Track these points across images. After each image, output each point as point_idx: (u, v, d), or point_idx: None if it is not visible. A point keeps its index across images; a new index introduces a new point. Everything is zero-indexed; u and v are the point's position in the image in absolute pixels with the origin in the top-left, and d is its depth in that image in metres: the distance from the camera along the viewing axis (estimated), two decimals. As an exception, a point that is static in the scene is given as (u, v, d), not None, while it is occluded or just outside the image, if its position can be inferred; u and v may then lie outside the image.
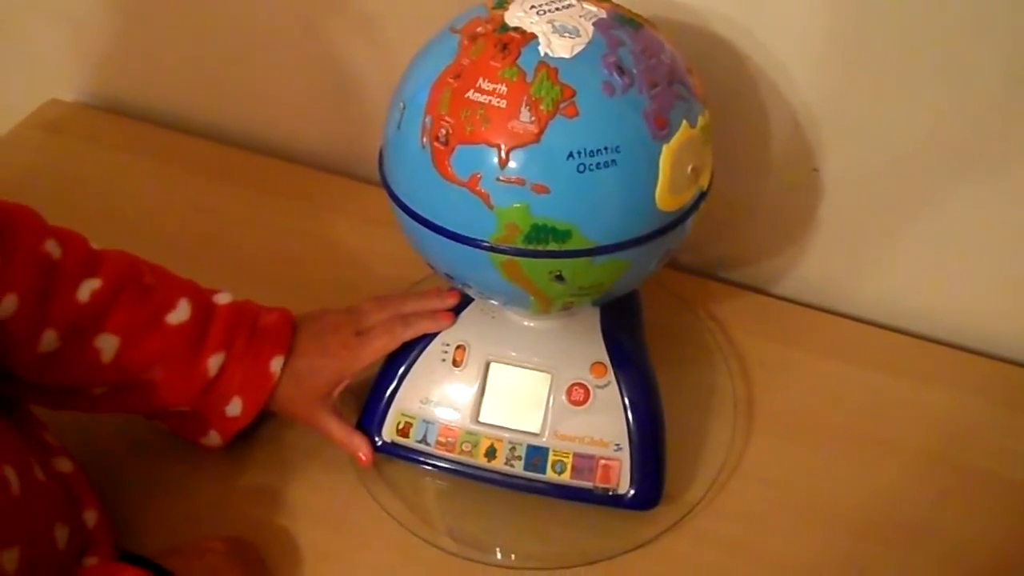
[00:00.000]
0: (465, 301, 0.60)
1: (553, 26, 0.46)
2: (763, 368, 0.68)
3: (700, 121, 0.49)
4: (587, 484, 0.57)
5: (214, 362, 0.56)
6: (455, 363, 0.59)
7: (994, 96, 0.58)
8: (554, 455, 0.58)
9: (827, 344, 0.70)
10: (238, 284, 0.62)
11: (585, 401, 0.57)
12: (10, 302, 0.49)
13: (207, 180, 0.84)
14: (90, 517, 0.54)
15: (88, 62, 0.90)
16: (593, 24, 0.47)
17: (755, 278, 0.76)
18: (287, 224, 0.79)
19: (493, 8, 0.49)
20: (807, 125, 0.64)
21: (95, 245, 0.55)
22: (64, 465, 0.55)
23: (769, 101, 0.64)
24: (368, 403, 0.60)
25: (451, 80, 0.46)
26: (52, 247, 0.52)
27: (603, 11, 0.48)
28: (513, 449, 0.58)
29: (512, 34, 0.46)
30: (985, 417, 0.66)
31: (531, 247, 0.47)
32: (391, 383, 0.60)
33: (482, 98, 0.45)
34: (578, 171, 0.45)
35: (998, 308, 0.69)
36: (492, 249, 0.48)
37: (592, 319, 0.59)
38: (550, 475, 0.57)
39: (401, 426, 0.59)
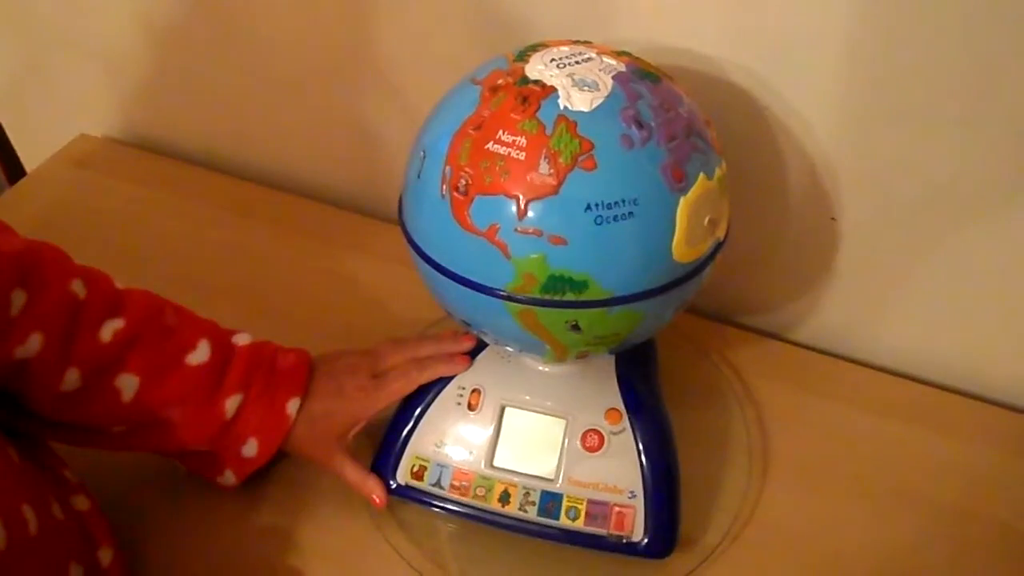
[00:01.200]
0: (481, 345, 0.61)
1: (573, 79, 0.47)
2: (779, 415, 0.68)
3: (717, 173, 0.50)
4: (601, 531, 0.57)
5: (231, 403, 0.56)
6: (470, 407, 0.59)
7: (1013, 145, 0.58)
8: (568, 501, 0.57)
9: (844, 392, 0.70)
10: (257, 320, 0.63)
11: (600, 447, 0.57)
12: (35, 341, 0.50)
13: (230, 217, 0.85)
14: (105, 556, 0.54)
15: (118, 99, 0.92)
16: (612, 78, 0.48)
17: (772, 324, 0.76)
18: (307, 262, 0.80)
19: (514, 60, 0.50)
20: (825, 174, 0.64)
21: (119, 283, 0.56)
22: (81, 503, 0.56)
23: (787, 150, 0.64)
24: (383, 445, 0.61)
25: (471, 131, 0.47)
26: (78, 287, 0.53)
27: (622, 64, 0.49)
28: (527, 494, 0.58)
29: (532, 87, 0.47)
30: (1003, 468, 0.65)
31: (548, 297, 0.47)
32: (406, 426, 0.60)
33: (502, 150, 0.46)
34: (595, 223, 0.45)
35: (1017, 358, 0.69)
36: (509, 298, 0.48)
37: (607, 365, 0.59)
38: (564, 521, 0.57)
39: (415, 469, 0.60)
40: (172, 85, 0.88)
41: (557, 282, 0.47)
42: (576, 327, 0.49)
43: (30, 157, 1.03)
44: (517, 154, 0.46)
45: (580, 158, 0.45)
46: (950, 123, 0.59)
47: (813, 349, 0.74)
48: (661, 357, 0.65)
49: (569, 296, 0.47)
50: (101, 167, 0.92)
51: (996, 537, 0.61)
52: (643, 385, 0.60)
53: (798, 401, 0.69)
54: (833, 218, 0.66)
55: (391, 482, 0.60)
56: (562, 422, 0.58)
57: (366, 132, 0.81)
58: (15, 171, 1.04)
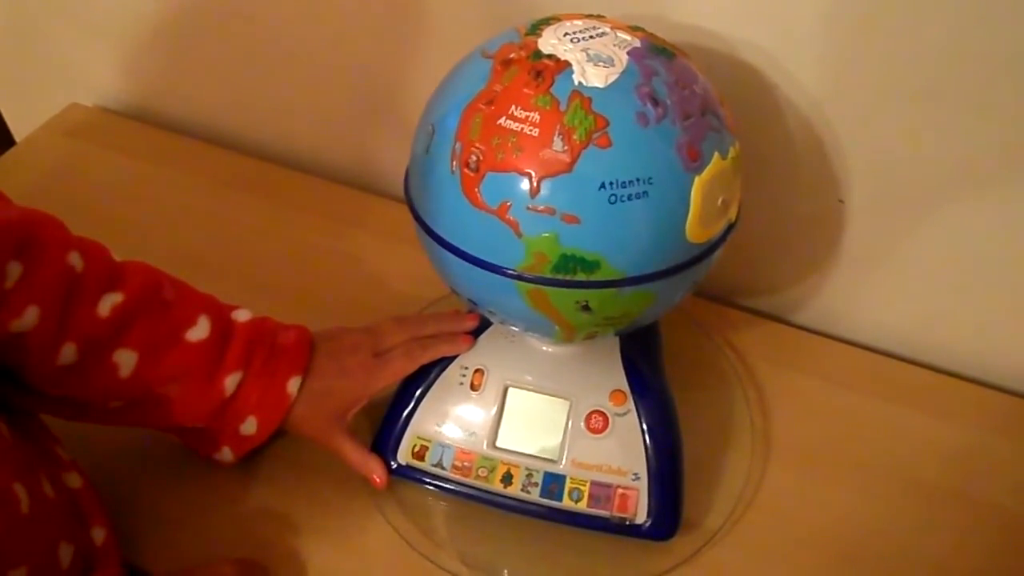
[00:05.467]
0: (484, 324, 0.60)
1: (587, 55, 0.46)
2: (781, 398, 0.68)
3: (731, 153, 0.49)
4: (604, 513, 0.56)
5: (231, 381, 0.55)
6: (473, 387, 0.58)
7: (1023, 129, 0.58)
8: (571, 483, 0.57)
9: (847, 375, 0.69)
10: (255, 296, 0.62)
11: (604, 429, 0.57)
12: (31, 315, 0.49)
13: (226, 190, 0.84)
14: (98, 534, 0.54)
15: (111, 68, 0.90)
16: (627, 53, 0.46)
17: (775, 306, 0.75)
18: (306, 238, 0.79)
19: (526, 34, 0.48)
20: (834, 156, 0.64)
21: (116, 255, 0.55)
22: (74, 481, 0.55)
23: (796, 131, 0.64)
24: (384, 425, 0.60)
25: (483, 106, 0.46)
26: (75, 259, 0.51)
27: (637, 40, 0.48)
28: (530, 475, 0.57)
29: (546, 61, 0.46)
30: (1005, 453, 0.65)
31: (559, 277, 0.46)
32: (408, 405, 0.59)
33: (514, 126, 0.45)
34: (609, 202, 0.44)
35: (1020, 344, 0.69)
36: (519, 277, 0.47)
37: (612, 346, 0.59)
38: (567, 503, 0.57)
39: (417, 449, 0.59)
40: (166, 54, 0.86)
41: (569, 261, 0.46)
42: (587, 307, 0.48)
43: (19, 126, 1.01)
44: (530, 130, 0.44)
45: (595, 135, 0.44)
46: (962, 105, 0.58)
47: (816, 332, 0.73)
48: (664, 338, 0.65)
49: (580, 276, 0.46)
50: (93, 137, 0.90)
51: (997, 521, 0.61)
52: (648, 367, 0.59)
53: (801, 384, 0.69)
54: (841, 200, 0.66)
55: (392, 462, 0.59)
56: (566, 403, 0.58)
57: (366, 105, 0.80)
58: (4, 140, 1.02)
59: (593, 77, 0.45)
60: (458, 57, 0.52)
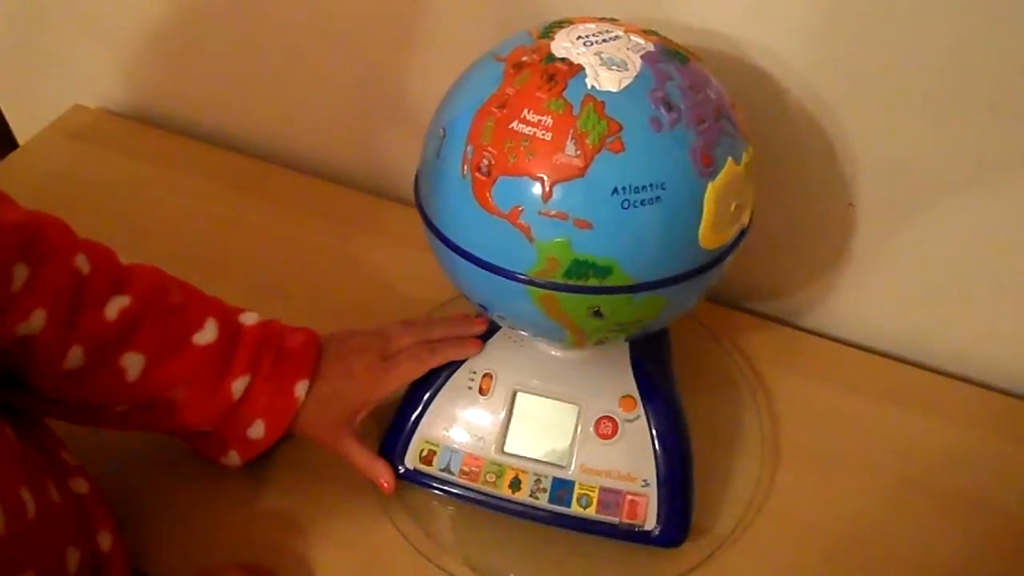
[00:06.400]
0: (493, 328, 0.60)
1: (600, 58, 0.46)
2: (790, 402, 0.68)
3: (744, 158, 0.48)
4: (613, 519, 0.56)
5: (239, 385, 0.55)
6: (481, 391, 0.58)
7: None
8: (580, 489, 0.57)
9: (855, 380, 0.69)
10: (261, 299, 0.61)
11: (613, 435, 0.57)
12: (38, 318, 0.49)
13: (232, 193, 0.83)
14: (104, 540, 0.53)
15: (115, 68, 0.90)
16: (641, 57, 0.46)
17: (783, 311, 0.75)
18: (313, 240, 0.79)
19: (539, 37, 0.48)
20: (843, 159, 0.63)
21: (122, 258, 0.55)
22: (80, 486, 0.54)
23: (806, 134, 0.63)
24: (391, 429, 0.60)
25: (495, 110, 0.46)
26: (82, 262, 0.51)
27: (650, 44, 0.47)
28: (538, 481, 0.57)
29: (559, 65, 0.46)
30: (1015, 458, 0.65)
31: (571, 282, 0.46)
32: (416, 409, 0.59)
33: (527, 129, 0.44)
34: (622, 207, 0.44)
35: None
36: (530, 283, 0.47)
37: (621, 351, 0.58)
38: (575, 509, 0.56)
39: (424, 454, 0.59)
40: (171, 55, 0.86)
41: (581, 267, 0.45)
42: (598, 313, 0.48)
43: (23, 128, 1.00)
44: (543, 134, 0.44)
45: (608, 140, 0.44)
46: (971, 110, 0.58)
47: (825, 336, 0.73)
48: (673, 343, 0.64)
49: (592, 281, 0.46)
50: (96, 139, 0.89)
51: (1008, 526, 0.61)
52: (658, 372, 0.59)
53: (810, 388, 0.68)
54: (851, 204, 0.65)
55: (399, 466, 0.59)
56: (575, 408, 0.57)
57: (374, 108, 0.79)
58: (6, 143, 1.01)
59: (606, 81, 0.45)
60: (469, 60, 0.51)
